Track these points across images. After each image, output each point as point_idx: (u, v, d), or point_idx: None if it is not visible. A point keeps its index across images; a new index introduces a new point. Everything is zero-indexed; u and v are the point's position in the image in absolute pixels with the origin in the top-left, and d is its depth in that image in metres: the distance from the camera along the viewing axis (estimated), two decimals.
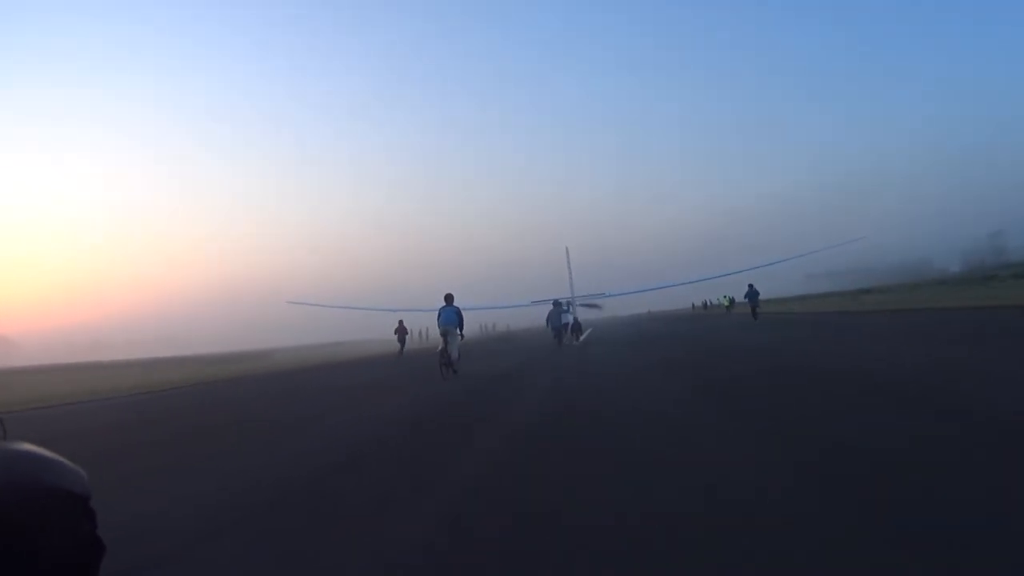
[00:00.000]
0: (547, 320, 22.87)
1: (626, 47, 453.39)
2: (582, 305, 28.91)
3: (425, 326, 58.23)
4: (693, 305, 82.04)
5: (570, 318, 24.81)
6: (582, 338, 25.07)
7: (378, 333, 39.72)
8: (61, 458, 0.68)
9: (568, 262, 27.46)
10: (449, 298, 11.98)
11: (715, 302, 65.02)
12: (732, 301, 39.74)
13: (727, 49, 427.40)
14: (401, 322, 29.25)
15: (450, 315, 11.83)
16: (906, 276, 72.62)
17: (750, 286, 27.65)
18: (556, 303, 23.18)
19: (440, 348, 11.79)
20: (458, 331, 11.92)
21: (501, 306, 41.61)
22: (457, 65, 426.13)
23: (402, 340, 28.66)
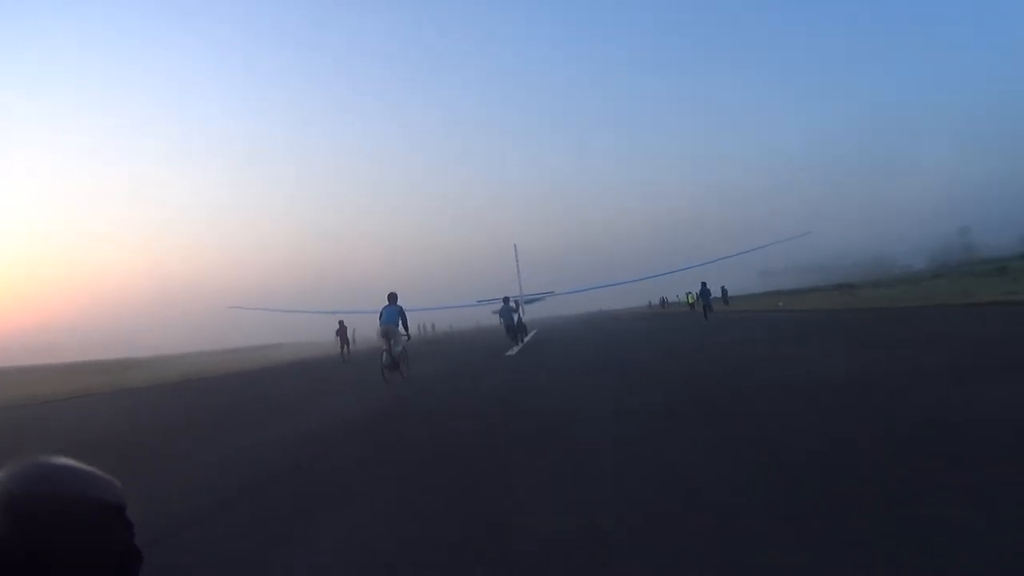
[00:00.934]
0: (500, 316, 22.21)
1: (573, 40, 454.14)
2: (528, 302, 27.97)
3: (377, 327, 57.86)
4: (650, 303, 78.91)
5: (517, 316, 23.88)
6: (526, 339, 24.05)
7: (327, 335, 37.98)
8: (95, 469, 0.61)
9: (517, 259, 26.41)
10: (392, 297, 11.34)
11: (673, 300, 63.09)
12: (697, 298, 38.59)
13: (682, 37, 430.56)
14: (341, 323, 27.98)
15: (392, 314, 11.23)
16: (868, 272, 73.28)
17: (703, 284, 26.96)
18: (506, 300, 22.33)
19: (383, 350, 11.15)
20: (401, 331, 11.25)
21: (445, 306, 40.54)
22: (400, 59, 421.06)
23: (344, 341, 27.38)
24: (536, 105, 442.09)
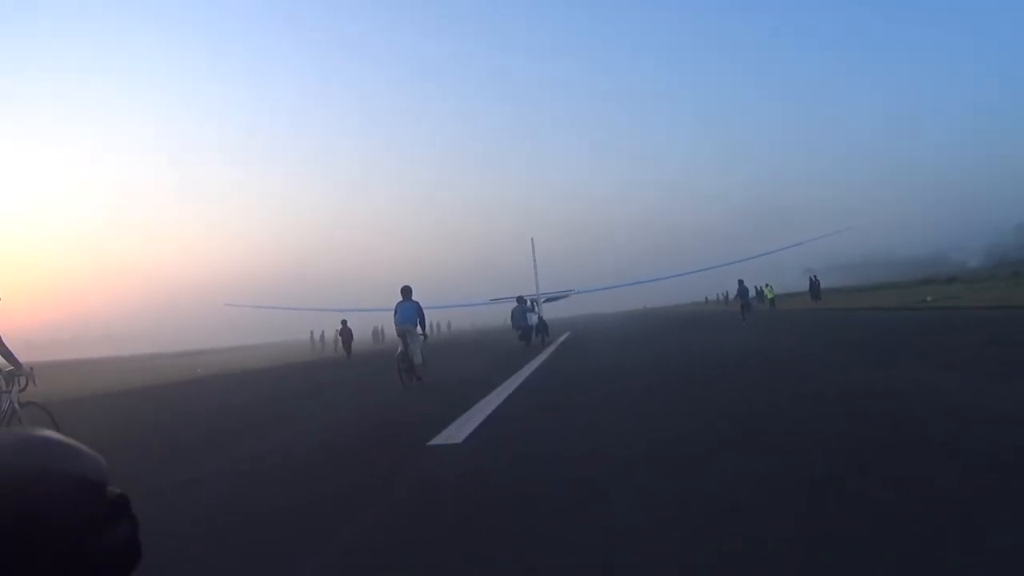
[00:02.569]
0: (512, 319, 19.72)
1: (600, 32, 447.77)
2: (547, 301, 25.47)
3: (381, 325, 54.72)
4: (707, 299, 70.59)
5: (535, 317, 21.45)
6: (557, 341, 21.50)
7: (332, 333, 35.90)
8: (78, 443, 0.59)
9: (533, 254, 23.96)
10: (406, 291, 9.94)
11: (726, 296, 56.37)
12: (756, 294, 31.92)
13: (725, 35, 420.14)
14: (344, 323, 26.29)
15: (408, 311, 9.86)
16: (921, 270, 67.79)
17: (740, 282, 24.15)
18: (520, 300, 19.89)
19: (399, 351, 9.82)
20: (419, 330, 9.88)
21: (457, 305, 38.19)
22: (416, 54, 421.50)
23: (347, 343, 25.68)
24: (564, 99, 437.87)
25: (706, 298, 67.34)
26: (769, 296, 32.84)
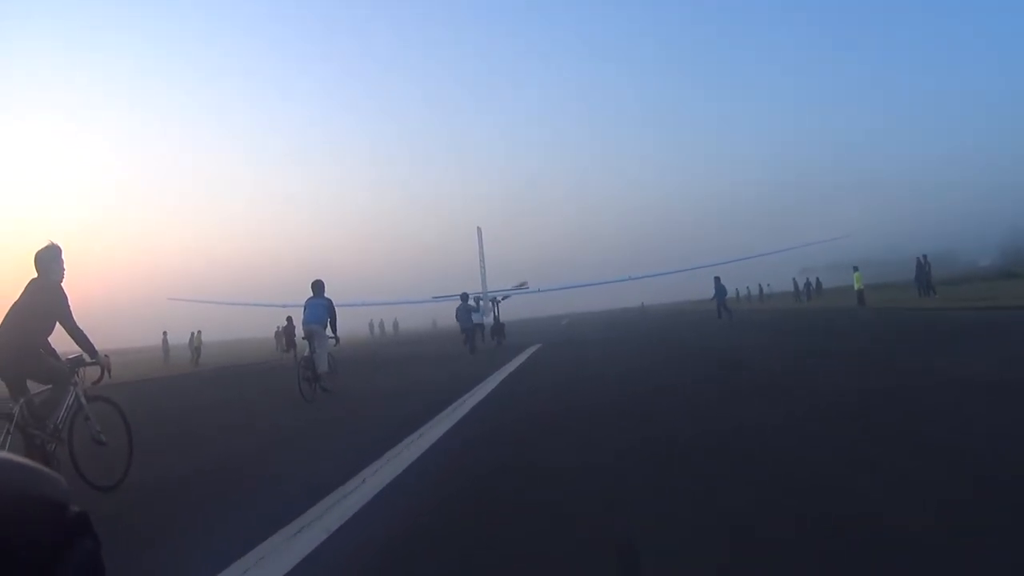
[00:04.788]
0: (457, 319, 17.67)
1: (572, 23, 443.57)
2: (505, 299, 23.19)
3: (380, 318, 51.18)
4: (712, 296, 63.00)
5: (482, 317, 19.30)
6: (517, 361, 18.21)
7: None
8: (36, 464, 0.61)
9: (480, 245, 21.60)
10: (317, 287, 8.88)
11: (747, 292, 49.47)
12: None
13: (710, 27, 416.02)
14: (290, 319, 24.29)
15: (317, 310, 8.82)
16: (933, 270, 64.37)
17: (716, 279, 21.99)
18: (464, 297, 17.77)
19: (303, 355, 8.85)
20: (328, 331, 8.81)
21: (393, 302, 35.83)
22: (355, 37, 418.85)
23: (291, 342, 23.65)
24: (568, 101, 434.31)
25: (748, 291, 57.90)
26: (857, 286, 23.70)
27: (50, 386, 4.03)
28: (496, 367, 10.80)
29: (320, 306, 8.88)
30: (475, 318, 18.16)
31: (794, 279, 42.62)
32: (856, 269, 24.60)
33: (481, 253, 21.67)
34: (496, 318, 21.83)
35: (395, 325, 51.77)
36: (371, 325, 49.86)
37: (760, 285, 49.06)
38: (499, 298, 22.64)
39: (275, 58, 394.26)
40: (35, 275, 3.99)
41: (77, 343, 4.16)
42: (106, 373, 4.28)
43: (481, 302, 19.94)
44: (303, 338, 9.36)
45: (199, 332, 29.87)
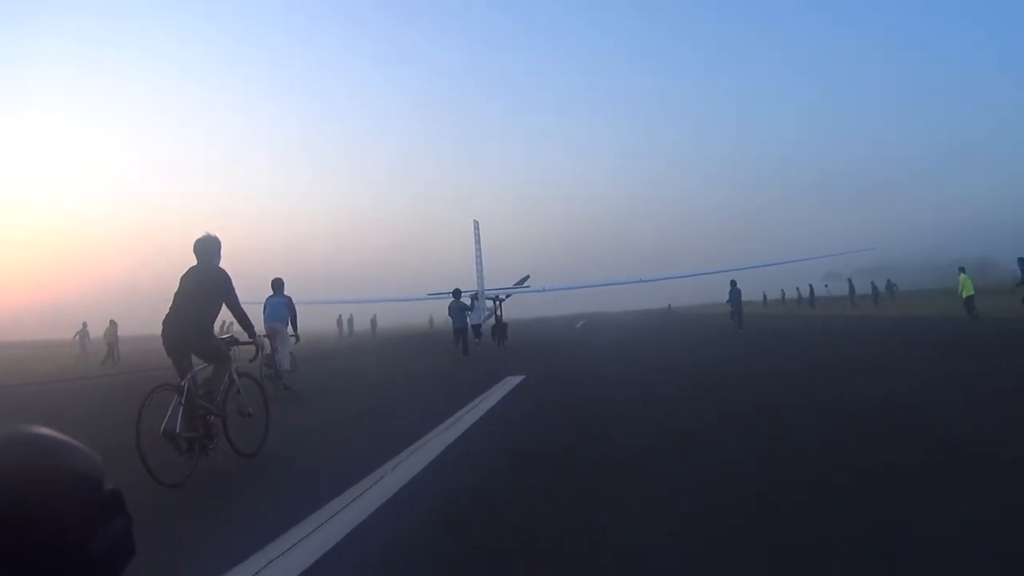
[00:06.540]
0: (449, 316, 16.50)
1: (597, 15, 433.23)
2: (508, 297, 21.76)
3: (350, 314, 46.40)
4: (765, 298, 55.54)
5: (479, 317, 18.03)
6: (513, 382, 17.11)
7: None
8: (73, 440, 0.59)
9: (477, 239, 20.20)
10: (277, 285, 9.12)
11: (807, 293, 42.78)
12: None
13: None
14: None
15: (278, 308, 9.02)
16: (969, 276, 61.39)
17: (732, 283, 20.31)
18: (456, 293, 16.48)
19: (265, 354, 8.18)
20: (290, 330, 8.93)
21: (385, 299, 34.36)
22: (352, 26, 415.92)
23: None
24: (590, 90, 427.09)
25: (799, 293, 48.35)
26: (967, 292, 18.42)
27: (208, 364, 4.36)
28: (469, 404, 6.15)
29: (280, 304, 9.05)
30: (469, 316, 16.99)
31: (849, 280, 38.00)
32: (962, 270, 19.22)
33: (478, 249, 20.37)
34: (498, 318, 20.54)
35: (372, 322, 42.36)
36: (339, 322, 41.13)
37: (811, 286, 42.69)
38: (502, 296, 21.31)
39: (275, 58, 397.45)
40: (194, 263, 4.34)
41: (239, 323, 4.57)
42: (259, 352, 4.76)
43: (476, 301, 18.66)
44: (267, 335, 9.12)
45: (114, 322, 22.15)
